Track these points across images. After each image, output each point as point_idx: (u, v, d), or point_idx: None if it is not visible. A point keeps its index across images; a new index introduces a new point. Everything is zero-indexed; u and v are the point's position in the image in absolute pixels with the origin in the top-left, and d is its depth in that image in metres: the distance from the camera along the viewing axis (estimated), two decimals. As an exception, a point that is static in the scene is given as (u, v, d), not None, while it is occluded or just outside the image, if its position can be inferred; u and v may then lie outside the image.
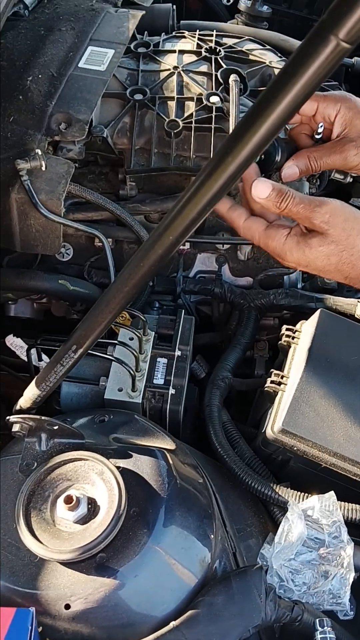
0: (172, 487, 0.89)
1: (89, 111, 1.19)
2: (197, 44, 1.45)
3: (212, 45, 1.44)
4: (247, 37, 1.52)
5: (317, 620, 0.84)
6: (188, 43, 1.47)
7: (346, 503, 0.98)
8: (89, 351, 0.91)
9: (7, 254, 1.28)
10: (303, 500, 0.98)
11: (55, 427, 0.91)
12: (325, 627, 0.83)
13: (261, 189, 0.84)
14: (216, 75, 1.36)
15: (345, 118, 0.92)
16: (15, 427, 0.92)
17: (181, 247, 1.31)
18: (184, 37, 1.49)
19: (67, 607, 0.79)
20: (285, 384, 1.07)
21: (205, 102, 1.31)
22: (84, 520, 0.84)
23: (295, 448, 1.00)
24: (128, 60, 1.42)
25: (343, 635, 0.90)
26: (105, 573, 0.81)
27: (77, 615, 0.79)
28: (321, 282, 1.34)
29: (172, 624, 0.80)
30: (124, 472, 0.88)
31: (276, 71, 1.42)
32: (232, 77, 1.33)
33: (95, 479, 0.87)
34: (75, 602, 0.79)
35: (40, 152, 1.10)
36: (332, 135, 0.94)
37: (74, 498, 0.83)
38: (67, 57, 1.28)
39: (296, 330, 1.15)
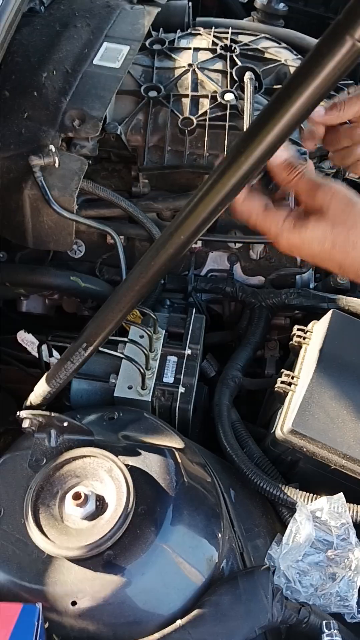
0: (181, 485, 0.89)
1: (103, 108, 1.19)
2: (213, 41, 1.44)
3: (228, 42, 1.43)
4: (262, 35, 1.51)
5: (324, 622, 0.84)
6: (203, 40, 1.46)
7: (355, 505, 0.97)
8: (100, 348, 0.91)
9: (20, 250, 1.29)
10: (312, 501, 0.98)
11: (65, 424, 0.92)
12: (332, 630, 0.83)
13: (279, 152, 0.81)
14: (231, 73, 1.36)
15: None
16: (25, 423, 0.92)
17: (193, 246, 1.30)
18: (200, 34, 1.48)
19: (74, 603, 0.80)
20: (296, 385, 1.07)
21: (219, 99, 1.31)
22: (92, 517, 0.84)
23: (304, 449, 0.99)
24: (143, 57, 1.41)
25: (350, 638, 0.90)
26: (112, 570, 0.81)
27: (83, 612, 0.79)
28: (334, 282, 1.33)
29: (178, 622, 0.80)
30: (132, 470, 0.88)
31: (292, 69, 1.41)
32: (247, 74, 1.33)
33: (103, 476, 0.87)
34: (81, 599, 0.80)
35: (53, 149, 1.10)
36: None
37: (82, 495, 0.84)
38: (81, 54, 1.28)
39: (307, 331, 1.15)
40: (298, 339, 1.14)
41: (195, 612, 0.81)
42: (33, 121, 1.17)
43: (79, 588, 0.80)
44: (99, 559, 0.82)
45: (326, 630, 0.83)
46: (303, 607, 0.86)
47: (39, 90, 1.21)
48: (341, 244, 0.82)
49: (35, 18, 1.38)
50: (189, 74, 1.36)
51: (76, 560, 0.82)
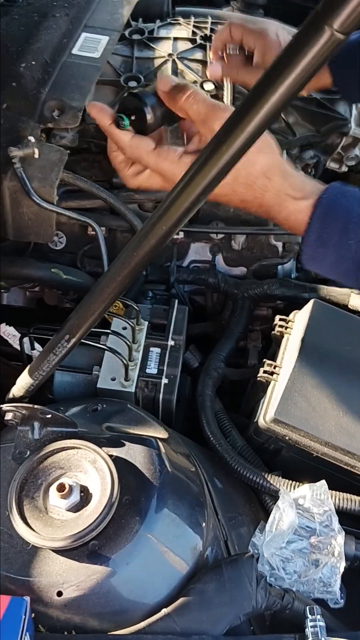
0: (165, 475, 0.89)
1: (82, 98, 1.19)
2: (192, 31, 1.44)
3: (207, 32, 1.43)
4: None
5: (307, 608, 0.85)
6: (183, 30, 1.46)
7: (337, 492, 0.99)
8: (82, 340, 0.91)
9: None
10: (294, 489, 0.99)
11: (48, 416, 0.92)
12: (315, 615, 0.84)
13: (164, 82, 0.85)
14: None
15: (261, 51, 1.14)
16: (8, 416, 0.92)
17: (175, 237, 1.30)
18: (179, 24, 1.48)
19: (59, 594, 0.80)
20: (278, 374, 1.08)
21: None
22: (76, 508, 0.84)
23: (287, 437, 1.00)
24: (122, 47, 1.40)
25: (333, 623, 0.91)
26: (97, 560, 0.81)
27: (69, 603, 0.80)
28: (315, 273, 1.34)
29: (164, 611, 0.81)
30: (116, 460, 0.88)
31: (271, 59, 1.41)
32: (227, 65, 1.32)
33: (87, 467, 0.87)
34: (67, 589, 0.80)
35: (33, 140, 1.09)
36: (253, 62, 1.16)
37: (67, 486, 0.84)
38: (61, 44, 1.27)
39: (289, 320, 1.16)
40: (280, 329, 1.15)
41: (180, 600, 0.82)
42: (12, 112, 1.16)
43: (64, 578, 0.80)
44: (83, 549, 0.82)
45: (310, 616, 0.84)
46: (287, 594, 0.87)
47: (18, 80, 1.20)
48: (243, 178, 0.82)
49: (14, 8, 1.36)
50: (169, 64, 1.36)
51: (61, 551, 0.82)
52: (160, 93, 0.84)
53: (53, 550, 0.82)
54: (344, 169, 1.40)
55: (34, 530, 0.82)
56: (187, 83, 0.85)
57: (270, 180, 0.83)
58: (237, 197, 0.86)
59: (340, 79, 1.17)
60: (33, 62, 1.22)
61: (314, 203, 0.83)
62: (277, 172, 0.83)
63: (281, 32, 1.17)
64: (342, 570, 0.93)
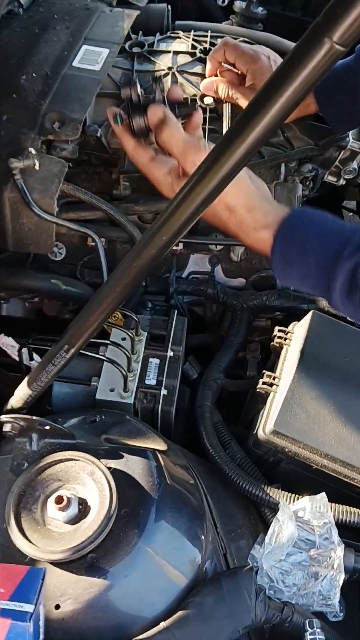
0: (163, 487, 0.89)
1: (82, 110, 1.19)
2: (192, 44, 1.45)
3: (207, 46, 1.44)
4: (241, 38, 1.52)
5: (307, 621, 0.85)
6: (183, 43, 1.47)
7: (337, 504, 0.98)
8: (81, 351, 0.90)
9: (-1, 253, 1.28)
10: (294, 501, 0.98)
11: (46, 427, 0.91)
12: (315, 628, 0.84)
13: (153, 110, 0.99)
14: (210, 76, 1.36)
15: (253, 74, 1.23)
16: (6, 427, 0.92)
17: (174, 248, 1.31)
18: (179, 37, 1.49)
19: (57, 607, 0.79)
20: (277, 385, 1.07)
21: (199, 103, 1.31)
22: (74, 520, 0.84)
23: (286, 449, 1.00)
24: (122, 60, 1.41)
25: (332, 636, 0.90)
26: (95, 573, 0.81)
27: (66, 616, 0.79)
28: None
29: (162, 624, 0.80)
30: (115, 472, 0.88)
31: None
32: (226, 78, 1.33)
33: (86, 479, 0.87)
34: (65, 602, 0.79)
35: (33, 151, 1.09)
36: (245, 83, 1.26)
37: (65, 498, 0.83)
38: (61, 56, 1.27)
39: (288, 332, 1.16)
40: (279, 340, 1.15)
41: (179, 613, 0.81)
42: (12, 124, 1.17)
43: (62, 591, 0.80)
44: (81, 562, 0.81)
45: (309, 629, 0.84)
46: (286, 607, 0.87)
47: (19, 92, 1.21)
48: (218, 204, 0.94)
49: (14, 20, 1.37)
50: (169, 77, 1.37)
51: (59, 564, 0.81)
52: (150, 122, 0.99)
53: (51, 563, 0.81)
54: (342, 182, 1.40)
55: (31, 542, 0.82)
56: (169, 119, 0.97)
57: (233, 213, 0.96)
58: (217, 220, 0.99)
59: (325, 104, 1.23)
60: (34, 74, 1.23)
61: (275, 231, 0.94)
62: (241, 206, 0.96)
63: (274, 57, 1.25)
64: (341, 583, 0.92)
